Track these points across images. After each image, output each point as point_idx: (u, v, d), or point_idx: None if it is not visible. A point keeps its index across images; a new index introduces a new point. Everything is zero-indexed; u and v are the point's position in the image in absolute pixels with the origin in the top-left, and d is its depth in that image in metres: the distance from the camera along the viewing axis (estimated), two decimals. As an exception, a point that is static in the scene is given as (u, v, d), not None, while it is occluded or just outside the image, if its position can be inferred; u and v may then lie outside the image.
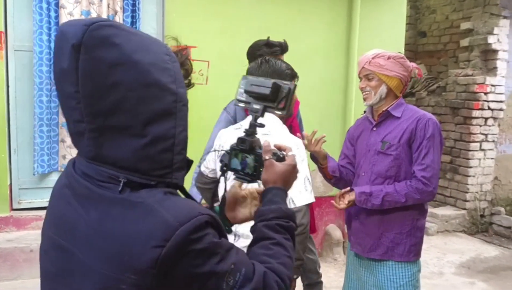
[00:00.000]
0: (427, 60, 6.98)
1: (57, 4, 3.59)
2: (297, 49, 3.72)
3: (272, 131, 1.73)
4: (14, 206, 3.71)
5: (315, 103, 4.34)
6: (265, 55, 2.41)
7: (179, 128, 0.85)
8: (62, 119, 3.69)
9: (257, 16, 4.27)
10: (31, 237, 3.53)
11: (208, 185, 1.94)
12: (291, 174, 1.10)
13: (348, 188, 2.22)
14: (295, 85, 1.17)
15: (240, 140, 1.13)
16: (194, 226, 0.79)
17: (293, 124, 2.68)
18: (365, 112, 2.34)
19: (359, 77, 2.23)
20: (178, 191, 0.91)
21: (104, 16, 3.65)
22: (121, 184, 0.81)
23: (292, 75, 1.87)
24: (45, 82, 3.59)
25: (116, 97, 0.80)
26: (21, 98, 3.65)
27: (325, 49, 4.51)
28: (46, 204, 1.00)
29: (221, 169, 1.15)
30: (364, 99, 2.20)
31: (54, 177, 3.74)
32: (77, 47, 0.79)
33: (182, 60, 0.96)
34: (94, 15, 3.63)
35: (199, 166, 2.04)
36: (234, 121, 2.51)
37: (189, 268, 0.80)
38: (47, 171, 3.72)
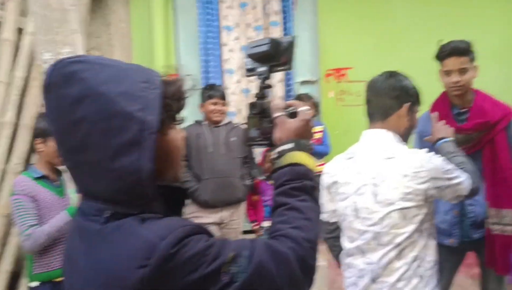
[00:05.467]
0: None
1: (219, 43, 3.89)
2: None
3: (396, 154, 1.55)
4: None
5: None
6: (442, 58, 2.15)
7: (143, 160, 0.79)
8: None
9: (414, 26, 3.99)
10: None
11: (334, 233, 1.79)
12: (305, 129, 1.02)
13: None
14: (294, 37, 1.11)
15: (251, 105, 1.10)
16: (176, 238, 0.76)
17: (496, 139, 2.15)
18: None
19: None
20: None
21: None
22: (105, 216, 0.81)
23: (416, 96, 1.66)
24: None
25: (82, 132, 0.79)
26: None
27: (502, 51, 3.95)
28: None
29: (246, 143, 1.13)
30: None
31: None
32: (46, 88, 0.82)
33: (174, 90, 0.88)
34: (252, 49, 3.82)
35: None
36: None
37: (179, 281, 0.76)
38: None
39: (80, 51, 2.81)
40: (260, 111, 1.09)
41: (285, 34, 3.91)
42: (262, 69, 1.12)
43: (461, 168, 1.61)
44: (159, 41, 3.81)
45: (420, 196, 1.51)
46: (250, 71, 1.16)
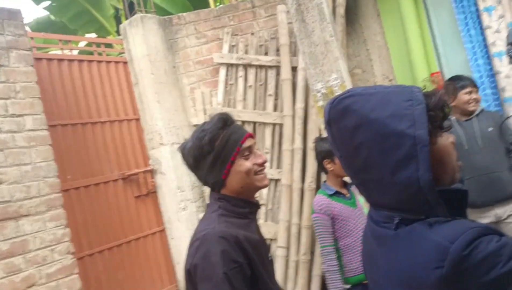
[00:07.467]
0: None
1: (481, 28, 3.61)
2: None
3: None
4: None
5: None
6: None
7: (421, 171, 0.86)
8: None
9: None
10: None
11: None
12: None
13: None
14: None
15: None
16: (466, 241, 0.81)
17: None
18: None
19: None
20: None
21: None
22: (395, 223, 0.93)
23: None
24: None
25: (363, 155, 0.92)
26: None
27: None
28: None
29: None
30: None
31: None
32: (327, 123, 0.99)
33: (436, 101, 0.93)
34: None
35: None
36: None
37: (475, 280, 0.81)
38: None
39: (344, 74, 3.09)
40: None
41: None
42: None
43: None
44: (415, 42, 3.77)
45: None
46: None
